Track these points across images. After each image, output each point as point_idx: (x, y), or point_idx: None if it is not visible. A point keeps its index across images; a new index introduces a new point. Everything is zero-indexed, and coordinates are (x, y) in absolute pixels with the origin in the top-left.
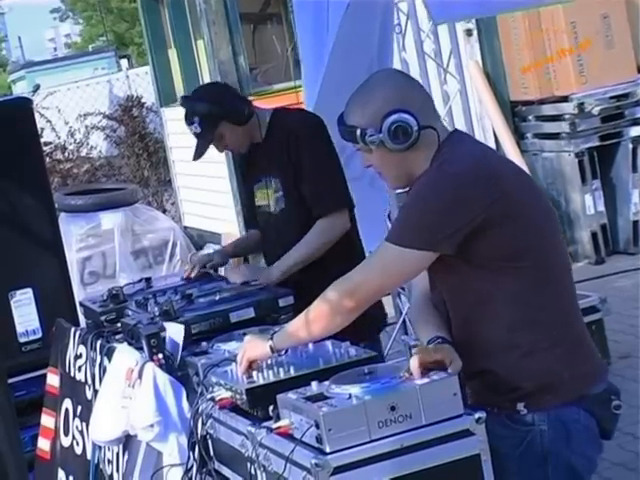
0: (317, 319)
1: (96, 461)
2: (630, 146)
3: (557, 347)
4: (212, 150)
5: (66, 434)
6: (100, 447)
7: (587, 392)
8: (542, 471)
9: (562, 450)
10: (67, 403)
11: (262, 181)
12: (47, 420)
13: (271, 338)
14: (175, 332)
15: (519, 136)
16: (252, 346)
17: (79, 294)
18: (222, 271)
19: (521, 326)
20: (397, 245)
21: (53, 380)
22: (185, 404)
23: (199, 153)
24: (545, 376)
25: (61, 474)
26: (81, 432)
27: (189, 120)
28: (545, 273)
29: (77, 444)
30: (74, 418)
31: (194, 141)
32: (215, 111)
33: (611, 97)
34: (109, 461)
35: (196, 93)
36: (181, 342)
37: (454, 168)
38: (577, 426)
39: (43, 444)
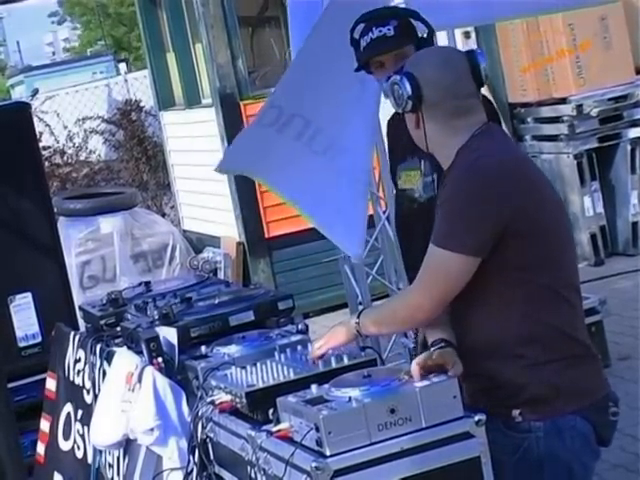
0: (396, 324)
1: (97, 465)
2: (629, 147)
3: (559, 362)
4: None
5: (66, 438)
6: (101, 451)
7: (584, 405)
8: (539, 478)
9: (558, 457)
10: (68, 407)
11: (408, 160)
12: (44, 424)
13: (357, 323)
14: (168, 336)
15: (518, 138)
16: (336, 333)
17: (78, 298)
18: (221, 274)
19: (527, 340)
20: (449, 251)
21: (51, 384)
22: (185, 408)
23: (379, 51)
24: (544, 388)
25: (58, 478)
26: (82, 436)
27: (381, 22)
28: (557, 289)
29: (78, 448)
30: (75, 422)
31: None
32: (414, 28)
33: (609, 99)
34: (110, 465)
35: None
36: (176, 345)
37: (482, 166)
38: (573, 433)
39: (40, 448)
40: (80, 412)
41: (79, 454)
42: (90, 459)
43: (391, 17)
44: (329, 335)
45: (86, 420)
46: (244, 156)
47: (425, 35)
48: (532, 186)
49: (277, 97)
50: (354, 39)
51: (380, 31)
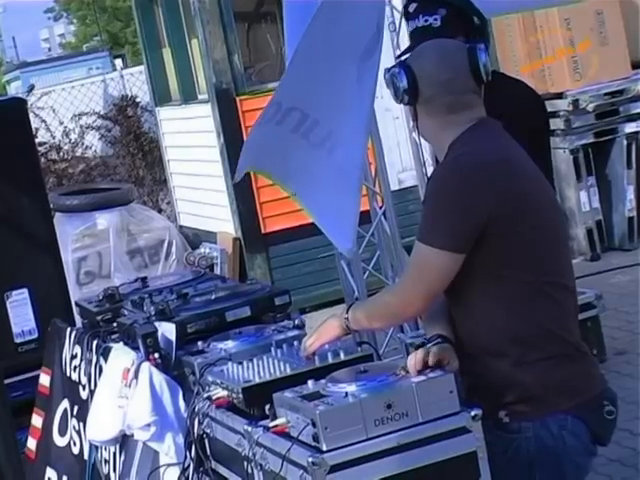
0: (386, 318)
1: (93, 461)
2: (625, 142)
3: (546, 360)
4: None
5: (63, 434)
6: (97, 447)
7: (575, 404)
8: (530, 477)
9: (549, 457)
10: (65, 403)
11: None
12: (36, 420)
13: (346, 318)
14: (167, 331)
15: None
16: (326, 329)
17: (75, 294)
18: (217, 270)
19: (512, 339)
20: (429, 246)
21: (45, 380)
22: (181, 403)
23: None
24: (532, 387)
25: (51, 473)
26: (78, 432)
27: (429, 9)
28: (542, 287)
29: (74, 444)
30: (71, 418)
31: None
32: (473, 16)
33: (605, 94)
34: (106, 461)
35: None
36: (174, 341)
37: (463, 163)
38: (564, 433)
39: (31, 443)
40: (76, 408)
41: (75, 450)
42: (86, 455)
43: (441, 5)
44: (320, 330)
45: (82, 416)
46: (249, 153)
47: (477, 24)
48: (516, 183)
49: (277, 94)
50: (408, 13)
51: (426, 20)
